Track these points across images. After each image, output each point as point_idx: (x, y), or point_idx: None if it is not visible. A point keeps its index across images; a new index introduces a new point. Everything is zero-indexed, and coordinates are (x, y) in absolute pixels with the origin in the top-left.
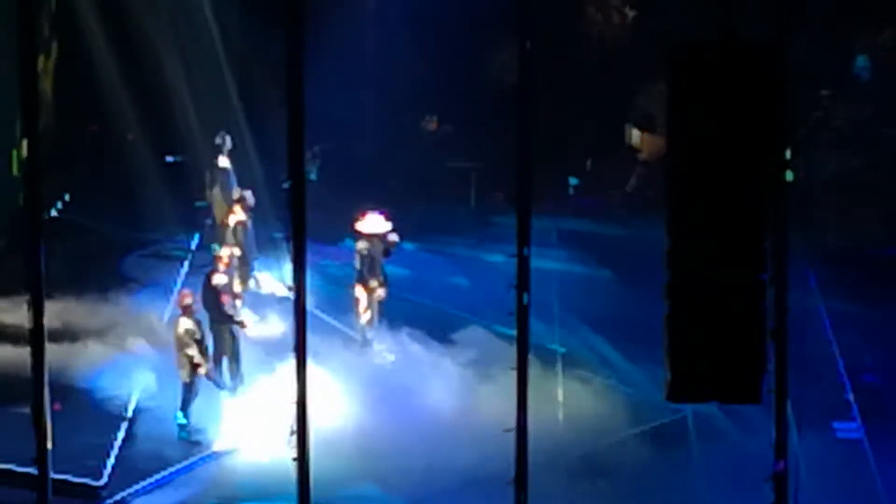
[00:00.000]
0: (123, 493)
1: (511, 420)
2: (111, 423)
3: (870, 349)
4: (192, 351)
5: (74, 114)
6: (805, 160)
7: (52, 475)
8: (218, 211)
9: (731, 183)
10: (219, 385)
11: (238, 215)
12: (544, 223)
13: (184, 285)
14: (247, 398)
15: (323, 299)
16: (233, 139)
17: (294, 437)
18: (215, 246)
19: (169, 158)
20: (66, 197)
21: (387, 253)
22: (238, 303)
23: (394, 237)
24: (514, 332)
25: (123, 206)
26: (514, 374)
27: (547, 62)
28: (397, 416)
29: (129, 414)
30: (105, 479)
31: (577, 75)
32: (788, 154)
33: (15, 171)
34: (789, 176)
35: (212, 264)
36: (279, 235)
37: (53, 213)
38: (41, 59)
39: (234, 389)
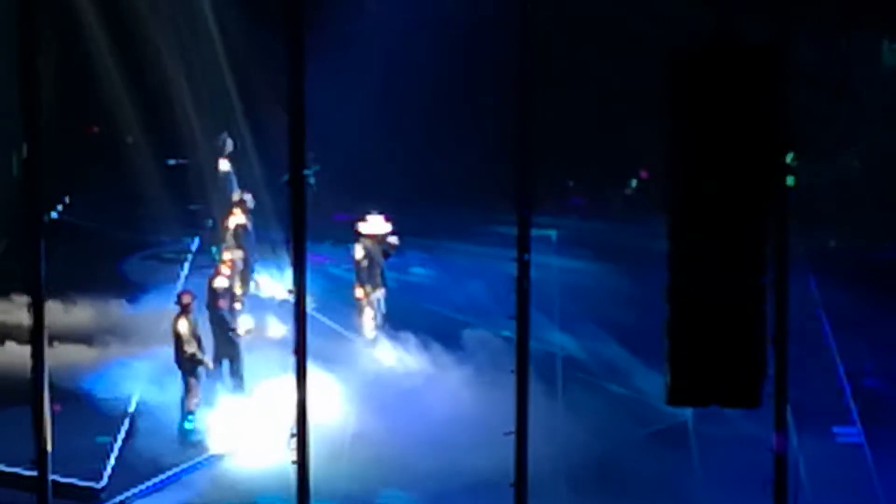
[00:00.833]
0: (123, 496)
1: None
2: (111, 424)
3: (870, 353)
4: (192, 348)
5: (75, 116)
6: (806, 163)
7: (52, 477)
8: (218, 214)
9: (732, 186)
10: (219, 378)
11: (238, 218)
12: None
13: (184, 287)
14: (247, 401)
15: (323, 302)
16: (234, 142)
17: (294, 440)
18: (214, 248)
19: (169, 161)
20: (67, 199)
21: (386, 255)
22: (237, 306)
23: (394, 239)
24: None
25: (124, 208)
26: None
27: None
28: (399, 420)
29: (129, 416)
30: (105, 481)
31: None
32: (789, 157)
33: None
34: (790, 180)
35: (214, 266)
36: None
37: (54, 215)
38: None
39: (234, 391)
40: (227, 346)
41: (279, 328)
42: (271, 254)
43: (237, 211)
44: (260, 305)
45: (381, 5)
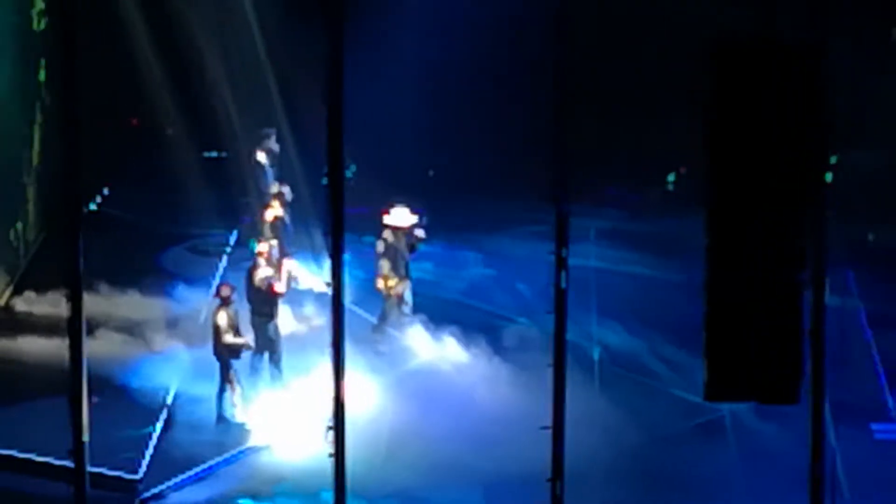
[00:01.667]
0: (160, 487)
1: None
2: (149, 416)
3: None
4: (231, 339)
5: (115, 108)
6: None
7: (89, 468)
8: (256, 207)
9: (771, 182)
10: (258, 370)
11: (275, 210)
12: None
13: (222, 280)
14: (284, 393)
15: (360, 295)
16: (275, 135)
17: (331, 433)
18: (253, 241)
19: (209, 153)
20: (106, 191)
21: (412, 248)
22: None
23: (420, 232)
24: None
25: (163, 200)
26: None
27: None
28: (437, 414)
29: (167, 407)
30: (142, 473)
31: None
32: (828, 153)
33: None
34: (828, 176)
35: (252, 259)
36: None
37: (93, 206)
38: None
39: (273, 384)
40: (267, 338)
41: (316, 321)
42: (309, 246)
43: (275, 203)
44: (297, 298)
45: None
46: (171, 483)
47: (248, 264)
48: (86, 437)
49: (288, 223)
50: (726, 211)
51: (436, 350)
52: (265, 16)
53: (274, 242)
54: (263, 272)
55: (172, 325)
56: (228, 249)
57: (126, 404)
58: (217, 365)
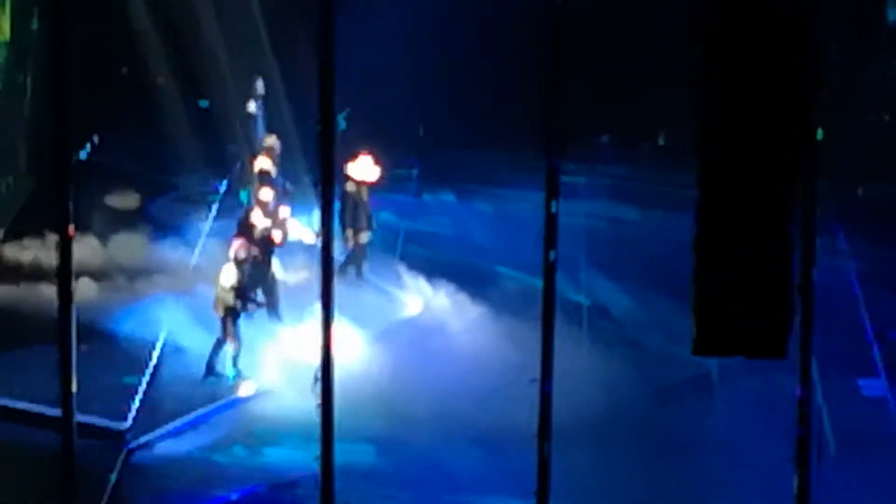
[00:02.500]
0: (148, 436)
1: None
2: (137, 365)
3: None
4: (237, 301)
5: (105, 56)
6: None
7: (77, 417)
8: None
9: (761, 135)
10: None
11: (263, 162)
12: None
13: (211, 229)
14: (272, 344)
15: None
16: (264, 84)
17: (318, 384)
18: (245, 191)
19: (202, 102)
20: (96, 139)
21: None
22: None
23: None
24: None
25: (153, 149)
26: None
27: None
28: (424, 367)
29: (155, 357)
30: (129, 422)
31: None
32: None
33: None
34: (819, 133)
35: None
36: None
37: (83, 155)
38: None
39: (271, 330)
40: (264, 286)
41: (304, 272)
42: (300, 197)
43: (264, 156)
44: (287, 250)
45: None
46: (158, 432)
47: (240, 213)
48: (74, 386)
49: (276, 176)
50: (715, 165)
51: (428, 301)
52: None
53: (268, 190)
54: (261, 221)
55: (162, 273)
56: (217, 198)
57: (114, 353)
58: (218, 319)
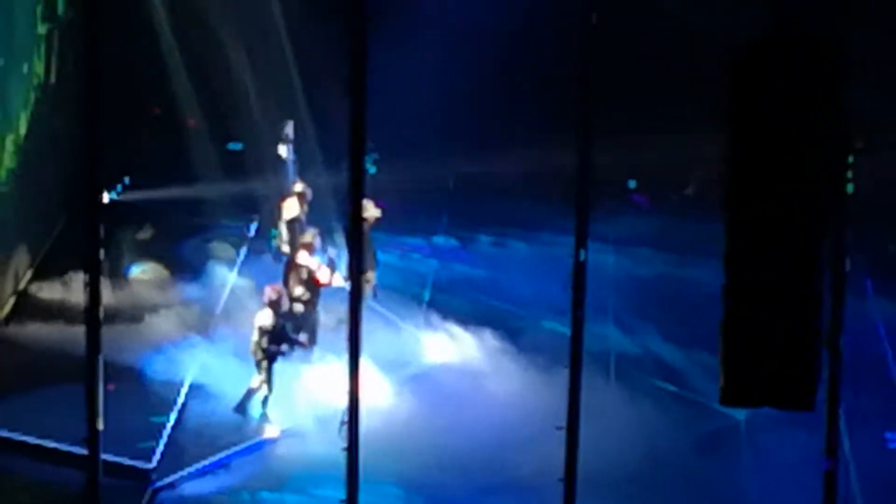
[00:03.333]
0: (173, 477)
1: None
2: (163, 406)
3: None
4: (271, 344)
5: (138, 96)
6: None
7: (103, 456)
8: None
9: (791, 187)
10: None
11: (293, 210)
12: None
13: (240, 270)
14: (300, 387)
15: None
16: (294, 128)
17: (345, 428)
18: (274, 232)
19: (231, 146)
20: (126, 180)
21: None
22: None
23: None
24: (570, 331)
25: (183, 190)
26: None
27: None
28: (452, 412)
29: (182, 397)
30: (155, 462)
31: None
32: (849, 159)
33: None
34: (850, 188)
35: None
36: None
37: (113, 195)
38: None
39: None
40: (308, 327)
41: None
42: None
43: (293, 201)
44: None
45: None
46: (184, 473)
47: (266, 256)
48: (100, 425)
49: (304, 223)
50: (745, 216)
51: (453, 347)
52: (289, 7)
53: (314, 231)
54: (307, 262)
55: (190, 314)
56: (247, 241)
57: (141, 393)
58: (254, 362)
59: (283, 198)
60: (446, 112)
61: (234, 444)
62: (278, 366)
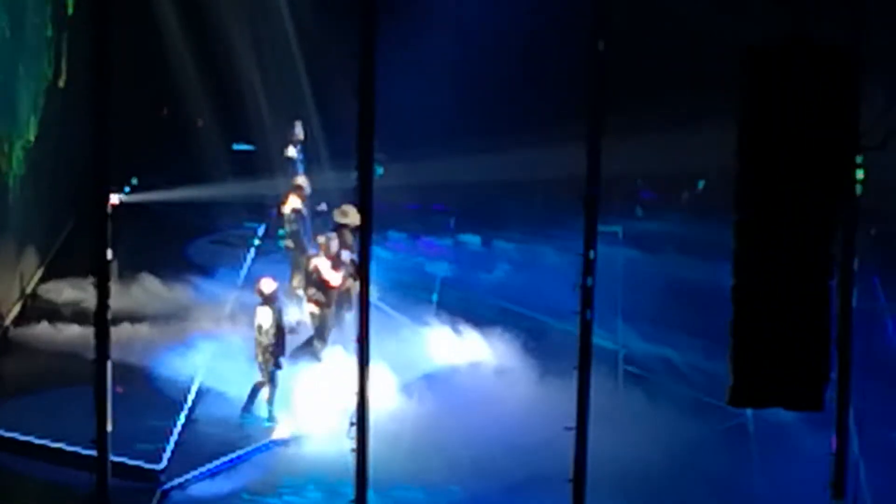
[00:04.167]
0: (182, 478)
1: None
2: (172, 407)
3: None
4: (268, 339)
5: (145, 97)
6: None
7: (112, 457)
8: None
9: (800, 188)
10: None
11: (294, 203)
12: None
13: (249, 272)
14: (308, 387)
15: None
16: (303, 129)
17: (353, 429)
18: (282, 231)
19: (238, 146)
20: (134, 181)
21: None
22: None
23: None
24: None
25: (191, 191)
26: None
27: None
28: (460, 412)
29: (191, 398)
30: (164, 463)
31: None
32: (858, 160)
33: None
34: (858, 189)
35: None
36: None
37: (121, 196)
38: None
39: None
40: (322, 327)
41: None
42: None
43: (293, 197)
44: None
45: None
46: (193, 474)
47: (276, 257)
48: (109, 427)
49: (306, 216)
50: (755, 216)
51: (462, 348)
52: (298, 7)
53: (333, 235)
54: (321, 263)
55: (198, 315)
56: (256, 242)
57: (150, 395)
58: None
59: (284, 196)
60: (457, 110)
61: (244, 446)
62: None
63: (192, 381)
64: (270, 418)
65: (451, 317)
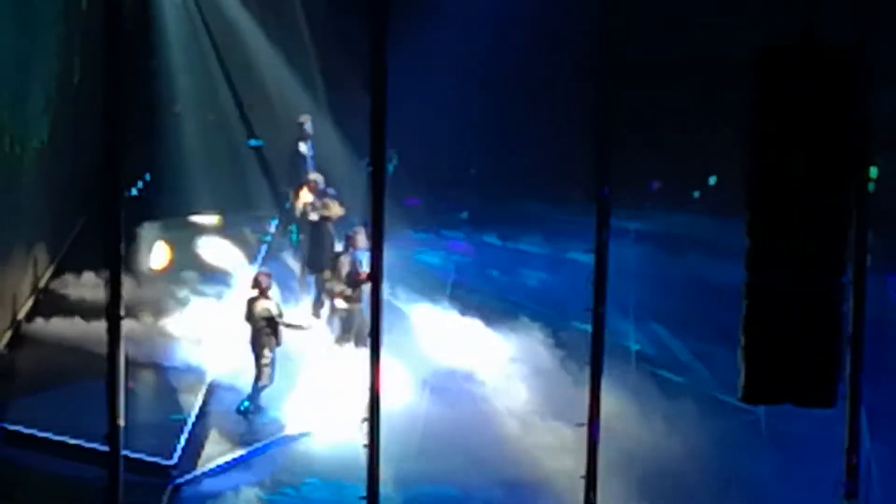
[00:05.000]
0: (194, 473)
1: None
2: (184, 402)
3: None
4: (266, 329)
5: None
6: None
7: (124, 452)
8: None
9: (813, 186)
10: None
11: (306, 198)
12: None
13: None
14: (320, 382)
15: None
16: (314, 125)
17: (366, 424)
18: (295, 228)
19: (251, 142)
20: (147, 177)
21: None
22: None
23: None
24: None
25: (203, 187)
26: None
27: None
28: (469, 409)
29: (203, 394)
30: (176, 458)
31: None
32: (870, 157)
33: None
34: (871, 186)
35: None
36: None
37: (134, 192)
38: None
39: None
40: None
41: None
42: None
43: (305, 192)
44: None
45: None
46: (205, 469)
47: (288, 252)
48: (121, 422)
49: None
50: (767, 214)
51: (472, 344)
52: (310, 3)
53: (360, 228)
54: (351, 258)
55: (209, 310)
56: (268, 237)
57: (162, 390)
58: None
59: (297, 191)
60: (469, 107)
61: (256, 441)
62: (300, 362)
63: (204, 376)
64: (254, 408)
65: (462, 313)
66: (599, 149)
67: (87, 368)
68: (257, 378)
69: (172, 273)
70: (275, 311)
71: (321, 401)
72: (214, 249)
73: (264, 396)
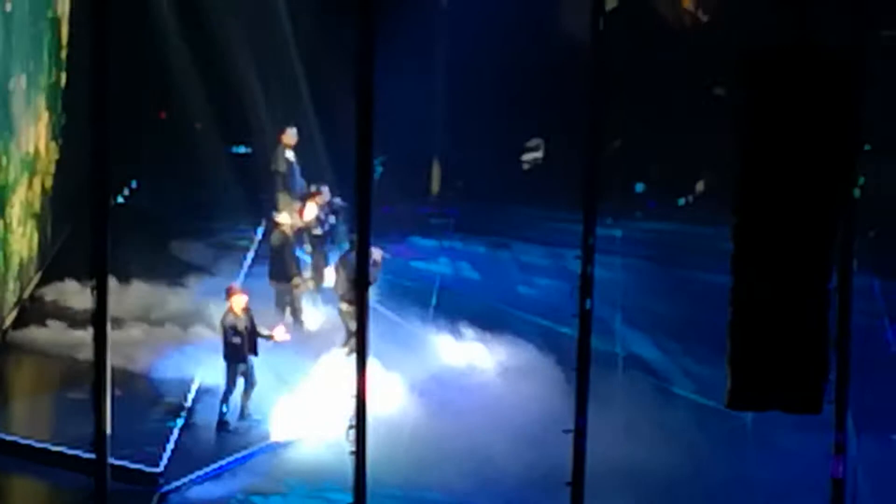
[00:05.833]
0: (181, 481)
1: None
2: (171, 410)
3: None
4: (238, 340)
5: (143, 100)
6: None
7: (111, 460)
8: (282, 204)
9: (800, 191)
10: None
11: (312, 211)
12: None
13: (248, 275)
14: (307, 389)
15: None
16: (300, 131)
17: (352, 432)
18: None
19: (237, 149)
20: (134, 184)
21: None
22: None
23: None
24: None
25: (190, 194)
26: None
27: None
28: (459, 415)
29: (189, 402)
30: (163, 466)
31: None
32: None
33: None
34: (856, 193)
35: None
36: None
37: (120, 199)
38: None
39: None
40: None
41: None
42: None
43: (312, 203)
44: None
45: (452, 2)
46: (191, 477)
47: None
48: (107, 429)
49: (324, 223)
50: (754, 219)
51: (460, 351)
52: (296, 9)
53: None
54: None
55: (196, 318)
56: (255, 245)
57: (148, 397)
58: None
59: (304, 200)
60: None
61: (242, 448)
62: (289, 369)
63: (190, 383)
64: (223, 417)
65: (450, 320)
66: (588, 156)
67: (74, 376)
68: (252, 385)
69: (157, 281)
70: (246, 323)
71: (308, 408)
72: (200, 256)
73: (248, 404)
